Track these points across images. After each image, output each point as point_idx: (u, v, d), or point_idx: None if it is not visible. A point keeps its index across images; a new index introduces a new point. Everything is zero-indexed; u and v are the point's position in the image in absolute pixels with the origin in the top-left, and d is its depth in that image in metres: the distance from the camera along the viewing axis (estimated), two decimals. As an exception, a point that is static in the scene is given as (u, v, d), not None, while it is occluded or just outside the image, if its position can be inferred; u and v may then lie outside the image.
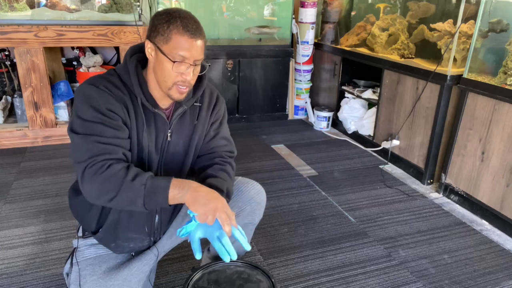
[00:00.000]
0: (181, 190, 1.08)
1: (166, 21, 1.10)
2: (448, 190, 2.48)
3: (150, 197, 1.07)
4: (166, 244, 1.39)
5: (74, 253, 1.32)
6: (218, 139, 1.37)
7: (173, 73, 1.12)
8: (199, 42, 1.12)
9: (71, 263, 1.30)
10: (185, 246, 1.76)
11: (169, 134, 1.25)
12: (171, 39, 1.09)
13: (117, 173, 1.06)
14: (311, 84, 3.94)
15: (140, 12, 2.97)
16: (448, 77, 2.39)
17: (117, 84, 1.17)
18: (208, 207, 1.07)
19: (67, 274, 1.32)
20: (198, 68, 1.18)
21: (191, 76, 1.14)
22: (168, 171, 1.31)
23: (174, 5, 3.47)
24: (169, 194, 1.07)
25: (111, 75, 1.19)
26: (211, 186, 1.22)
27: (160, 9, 3.35)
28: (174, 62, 1.10)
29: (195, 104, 1.29)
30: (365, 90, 3.32)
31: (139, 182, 1.06)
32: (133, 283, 1.24)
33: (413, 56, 2.86)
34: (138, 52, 1.22)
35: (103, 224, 1.27)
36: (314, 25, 3.71)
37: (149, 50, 1.14)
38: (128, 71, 1.18)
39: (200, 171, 1.33)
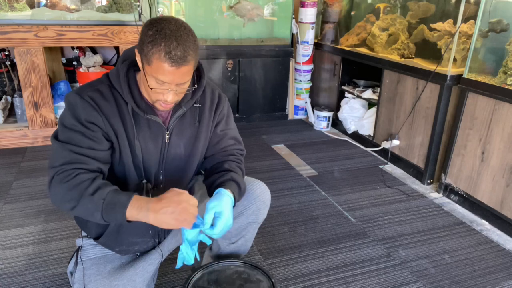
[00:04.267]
0: (140, 211, 1.04)
1: (150, 41, 1.03)
2: (448, 190, 2.48)
3: (108, 212, 1.05)
4: (171, 243, 1.39)
5: (79, 252, 1.31)
6: (227, 139, 1.37)
7: (154, 93, 1.11)
8: (183, 69, 1.05)
9: (76, 262, 1.30)
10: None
11: (167, 137, 1.25)
12: (152, 63, 1.04)
13: (81, 183, 1.06)
14: (311, 84, 3.94)
15: (140, 12, 2.97)
16: (448, 77, 2.39)
17: (104, 93, 1.16)
18: (177, 217, 1.04)
19: (71, 273, 1.32)
20: (185, 86, 1.13)
21: (171, 97, 1.11)
22: (170, 173, 1.30)
23: (174, 5, 3.47)
24: (127, 213, 1.05)
25: (101, 83, 1.19)
26: (234, 180, 1.25)
27: (160, 9, 3.35)
28: (151, 89, 1.08)
29: (194, 105, 1.28)
30: (365, 90, 3.32)
31: (99, 196, 1.05)
32: (138, 283, 1.24)
33: (413, 56, 2.85)
34: (132, 56, 1.20)
35: (104, 231, 1.27)
36: (314, 25, 3.71)
37: (138, 59, 1.12)
38: (119, 77, 1.17)
39: (215, 167, 1.34)
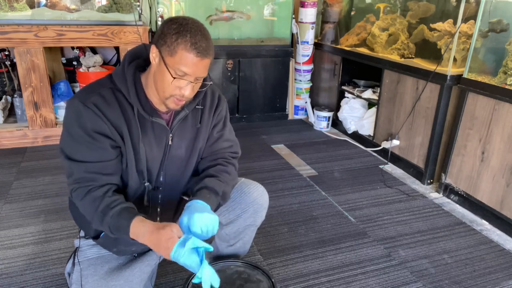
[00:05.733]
0: (138, 238, 1.08)
1: (175, 33, 1.05)
2: (448, 190, 2.48)
3: (116, 233, 1.12)
4: None
5: (76, 253, 1.32)
6: (222, 141, 1.36)
7: (172, 86, 1.10)
8: (205, 61, 1.09)
9: (73, 263, 1.30)
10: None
11: (170, 138, 1.25)
12: (176, 53, 1.06)
13: (91, 203, 1.13)
14: (311, 84, 3.94)
15: (140, 12, 2.97)
16: (448, 77, 2.39)
17: (108, 98, 1.15)
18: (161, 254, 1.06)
19: (69, 274, 1.32)
20: (199, 84, 1.16)
21: (189, 92, 1.12)
22: (170, 174, 1.30)
23: (174, 5, 3.47)
24: (131, 236, 1.09)
25: (104, 86, 1.17)
26: (207, 187, 1.23)
27: (160, 9, 3.35)
28: (174, 78, 1.09)
29: (196, 107, 1.28)
30: (365, 90, 3.32)
31: (105, 221, 1.11)
32: (135, 284, 1.24)
33: (413, 56, 2.85)
34: (136, 58, 1.20)
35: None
36: (314, 25, 3.71)
37: (154, 55, 1.11)
38: (125, 79, 1.16)
39: (203, 171, 1.33)
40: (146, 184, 1.26)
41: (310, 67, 3.85)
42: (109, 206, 1.11)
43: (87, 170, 1.13)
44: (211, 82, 1.23)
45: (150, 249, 1.35)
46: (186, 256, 1.01)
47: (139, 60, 1.20)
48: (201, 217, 1.10)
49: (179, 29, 1.05)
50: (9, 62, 3.17)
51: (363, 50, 3.24)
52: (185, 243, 1.01)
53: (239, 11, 3.57)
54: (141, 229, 1.07)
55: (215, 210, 1.26)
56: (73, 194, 1.16)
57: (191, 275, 1.30)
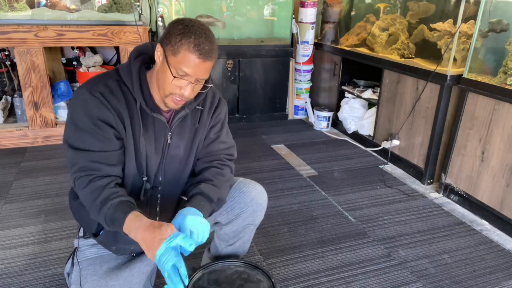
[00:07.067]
0: (130, 233, 1.07)
1: (180, 33, 1.08)
2: (448, 190, 2.48)
3: (111, 227, 1.12)
4: None
5: (75, 253, 1.32)
6: (218, 143, 1.36)
7: (172, 85, 1.12)
8: (207, 64, 1.11)
9: (72, 263, 1.30)
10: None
11: (169, 137, 1.26)
12: (179, 53, 1.08)
13: (92, 193, 1.12)
14: (311, 84, 3.94)
15: (140, 12, 2.97)
16: (448, 77, 2.39)
17: (113, 89, 1.17)
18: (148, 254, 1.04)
19: (68, 274, 1.32)
20: (200, 85, 1.17)
21: (189, 92, 1.13)
22: (169, 173, 1.30)
23: (174, 5, 3.47)
24: (124, 230, 1.08)
25: (110, 78, 1.19)
26: (202, 193, 1.23)
27: (160, 9, 3.35)
28: (174, 77, 1.10)
29: (197, 107, 1.29)
30: (365, 90, 3.32)
31: (102, 211, 1.11)
32: (134, 284, 1.24)
33: (413, 56, 2.86)
34: (143, 54, 1.21)
35: (103, 227, 1.27)
36: (314, 25, 3.71)
37: (158, 53, 1.13)
38: (131, 73, 1.18)
39: (198, 173, 1.34)
40: (144, 178, 1.27)
41: (310, 67, 3.85)
42: (108, 198, 1.10)
43: (90, 159, 1.14)
44: (212, 85, 1.24)
45: None
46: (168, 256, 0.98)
47: (145, 56, 1.21)
48: (193, 220, 1.10)
49: (184, 30, 1.07)
50: (9, 62, 3.17)
51: (363, 50, 3.24)
52: (171, 240, 0.99)
53: (214, 17, 3.57)
54: (135, 223, 1.06)
55: (208, 216, 1.27)
56: (76, 183, 1.15)
57: (192, 274, 1.30)
